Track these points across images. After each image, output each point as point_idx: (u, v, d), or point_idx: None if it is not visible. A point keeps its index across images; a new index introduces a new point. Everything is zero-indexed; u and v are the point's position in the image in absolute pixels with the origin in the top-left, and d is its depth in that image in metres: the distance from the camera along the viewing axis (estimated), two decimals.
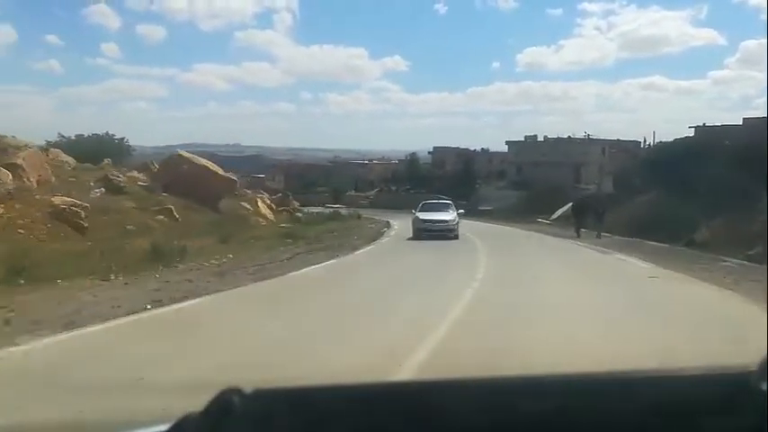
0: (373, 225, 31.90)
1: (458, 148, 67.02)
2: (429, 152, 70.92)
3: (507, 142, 63.79)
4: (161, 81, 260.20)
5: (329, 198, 67.58)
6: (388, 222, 34.20)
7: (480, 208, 45.27)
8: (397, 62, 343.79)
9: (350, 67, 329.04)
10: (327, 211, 38.48)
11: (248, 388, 0.74)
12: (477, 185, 59.78)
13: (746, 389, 0.74)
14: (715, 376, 0.82)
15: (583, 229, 23.96)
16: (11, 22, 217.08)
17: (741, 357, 0.84)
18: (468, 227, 28.23)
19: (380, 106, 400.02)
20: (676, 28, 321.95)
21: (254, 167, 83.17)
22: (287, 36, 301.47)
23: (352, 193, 67.46)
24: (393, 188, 63.04)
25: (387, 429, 0.75)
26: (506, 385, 0.86)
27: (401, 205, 57.25)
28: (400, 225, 30.15)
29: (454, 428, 0.74)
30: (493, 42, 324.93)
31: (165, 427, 0.79)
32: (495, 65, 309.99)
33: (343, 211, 43.87)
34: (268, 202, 24.80)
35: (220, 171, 25.64)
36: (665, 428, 0.75)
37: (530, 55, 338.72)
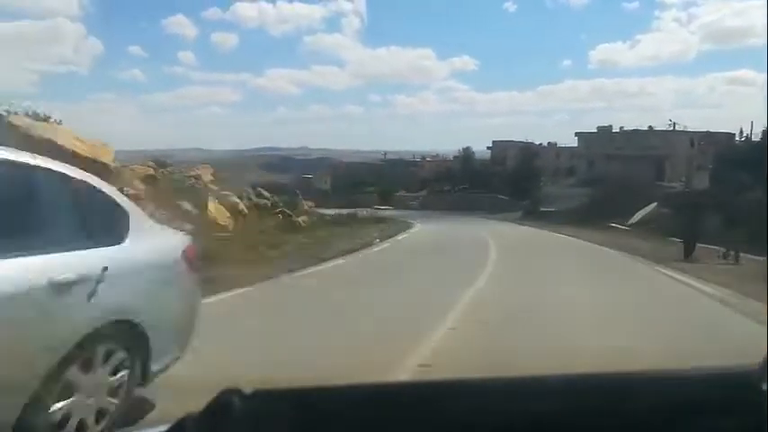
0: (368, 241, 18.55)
1: (521, 141, 59.59)
2: (488, 147, 64.13)
3: (577, 134, 56.12)
4: (234, 86, 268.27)
5: (377, 199, 62.25)
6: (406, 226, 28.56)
7: (543, 209, 38.71)
8: (465, 62, 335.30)
9: (417, 68, 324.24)
10: (345, 213, 32.32)
11: (248, 388, 0.74)
12: (542, 183, 52.68)
13: (746, 389, 0.75)
14: (715, 376, 0.83)
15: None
16: (99, 35, 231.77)
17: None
18: (503, 236, 21.85)
19: (448, 106, 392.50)
20: (763, 17, 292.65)
21: (320, 170, 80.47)
22: (354, 39, 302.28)
23: (402, 193, 61.81)
24: (446, 188, 56.89)
25: (386, 429, 0.75)
26: (507, 386, 0.85)
27: (455, 206, 51.62)
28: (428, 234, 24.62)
29: (454, 429, 0.75)
30: (564, 39, 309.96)
31: (165, 427, 0.78)
32: (567, 62, 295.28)
33: (371, 213, 38.64)
34: (243, 203, 19.17)
35: None
36: (666, 428, 0.75)
37: (603, 51, 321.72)
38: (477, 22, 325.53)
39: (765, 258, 11.33)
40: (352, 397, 0.81)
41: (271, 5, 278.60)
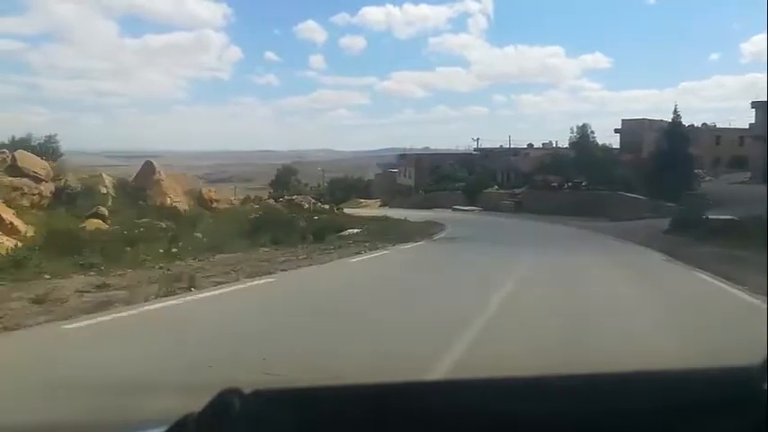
0: None
1: (660, 121, 40.76)
2: (615, 130, 46.64)
3: (754, 104, 37.19)
4: (361, 89, 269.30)
5: (462, 197, 47.56)
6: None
7: (712, 216, 21.40)
8: (597, 59, 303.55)
9: (545, 67, 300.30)
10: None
11: (247, 388, 0.74)
12: (700, 178, 35.11)
13: (747, 388, 0.74)
14: (716, 376, 0.82)
15: None
16: (239, 43, 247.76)
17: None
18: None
19: (578, 106, 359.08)
20: None
21: (402, 163, 68.72)
22: (480, 39, 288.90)
23: (494, 189, 46.63)
24: (553, 182, 40.85)
25: (387, 430, 0.74)
26: (507, 387, 0.84)
27: (564, 208, 33.89)
28: None
29: (454, 429, 0.74)
30: (710, 31, 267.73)
31: (165, 427, 0.77)
32: (714, 56, 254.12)
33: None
34: None
35: None
36: (666, 428, 0.74)
37: (758, 43, 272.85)
38: (612, 16, 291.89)
39: None
40: (352, 397, 0.80)
41: (397, 8, 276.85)
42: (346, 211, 38.89)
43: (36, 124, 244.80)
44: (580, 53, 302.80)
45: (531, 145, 54.41)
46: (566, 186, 40.16)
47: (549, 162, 40.57)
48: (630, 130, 44.61)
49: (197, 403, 0.73)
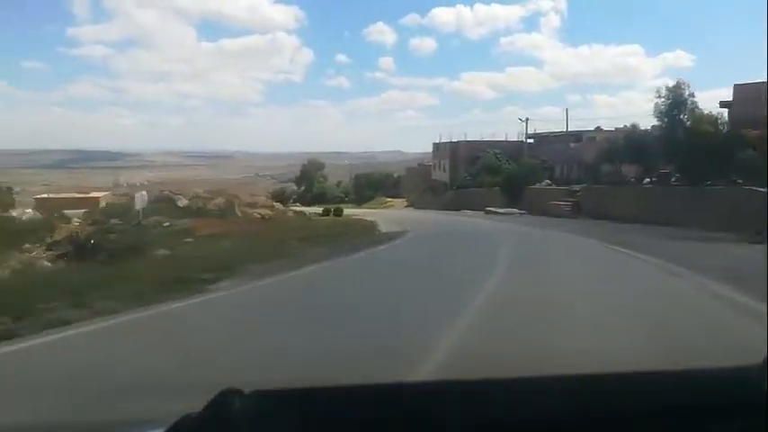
0: None
1: None
2: (722, 103, 31.86)
3: None
4: (430, 90, 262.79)
5: (501, 195, 35.10)
6: None
7: None
8: (678, 57, 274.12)
9: (622, 67, 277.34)
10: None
11: (247, 388, 0.73)
12: None
13: (746, 389, 0.73)
14: (715, 376, 0.81)
15: None
16: (311, 46, 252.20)
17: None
18: None
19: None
20: None
21: (437, 153, 57.17)
22: (553, 38, 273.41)
23: (544, 185, 33.87)
24: (630, 176, 27.69)
25: (387, 430, 0.73)
26: (507, 386, 0.82)
27: (646, 213, 20.66)
28: None
29: (454, 429, 0.73)
30: None
31: (165, 427, 0.75)
32: None
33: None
34: None
35: None
36: (667, 427, 0.73)
37: None
38: (696, 10, 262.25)
39: None
40: (352, 397, 0.78)
41: (468, 9, 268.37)
42: (353, 211, 30.58)
43: (123, 127, 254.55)
44: (660, 51, 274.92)
45: (599, 128, 40.73)
46: (649, 180, 27.05)
47: (621, 147, 27.42)
48: (747, 98, 30.05)
49: (197, 403, 0.71)
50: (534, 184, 33.72)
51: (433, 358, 4.26)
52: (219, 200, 21.25)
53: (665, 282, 8.77)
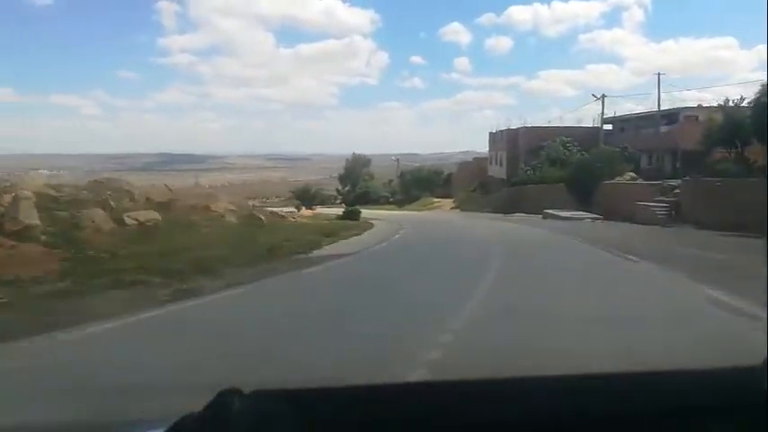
0: None
1: None
2: None
3: None
4: (506, 90, 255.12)
5: (567, 194, 26.27)
6: None
7: None
8: None
9: (713, 60, 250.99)
10: None
11: (247, 388, 0.71)
12: None
13: (746, 389, 0.72)
14: (715, 376, 0.80)
15: None
16: (386, 48, 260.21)
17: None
18: None
19: None
20: None
21: (494, 144, 48.82)
22: (636, 33, 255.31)
23: (626, 180, 24.61)
24: (753, 160, 18.43)
25: (387, 430, 0.72)
26: (507, 386, 0.81)
27: None
28: None
29: (454, 429, 0.72)
30: None
31: (165, 427, 0.74)
32: None
33: None
34: None
35: None
36: (667, 427, 0.72)
37: None
38: None
39: None
40: (353, 397, 0.77)
41: (545, 6, 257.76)
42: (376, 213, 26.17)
43: (208, 131, 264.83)
44: (756, 43, 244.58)
45: (700, 105, 30.52)
46: None
47: (737, 124, 18.08)
48: None
49: (197, 403, 0.70)
50: (613, 178, 24.77)
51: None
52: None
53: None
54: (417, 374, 3.56)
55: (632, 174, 25.53)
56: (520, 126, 37.25)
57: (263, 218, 17.38)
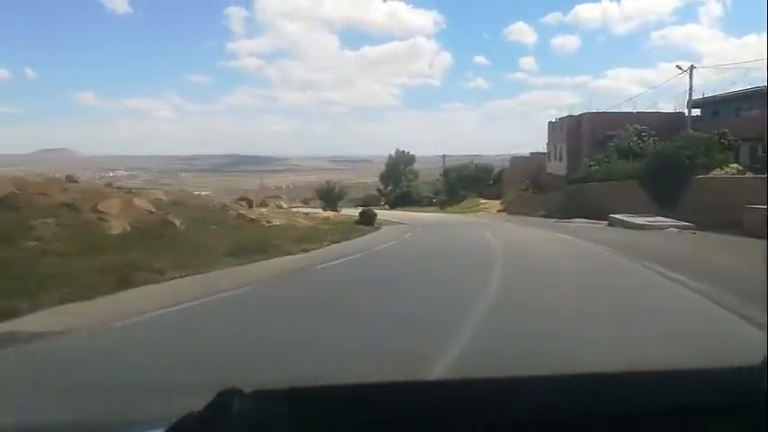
0: None
1: None
2: None
3: None
4: (572, 89, 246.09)
5: (641, 192, 19.81)
6: None
7: None
8: None
9: None
10: None
11: (248, 388, 0.71)
12: None
13: (746, 389, 0.72)
14: (715, 376, 0.80)
15: None
16: (449, 49, 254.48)
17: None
18: None
19: None
20: None
21: (553, 135, 42.13)
22: (713, 28, 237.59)
23: (729, 173, 17.92)
24: None
25: (387, 429, 0.71)
26: (507, 386, 0.80)
27: None
28: None
29: (454, 428, 0.72)
30: None
31: (165, 426, 0.73)
32: None
33: None
34: None
35: None
36: (668, 427, 0.72)
37: None
38: None
39: None
40: (353, 397, 0.76)
41: (615, 4, 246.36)
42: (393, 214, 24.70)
43: (274, 133, 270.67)
44: None
45: None
46: None
47: None
48: None
49: (197, 403, 0.69)
50: (708, 172, 18.13)
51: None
52: None
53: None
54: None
55: (736, 166, 18.71)
56: (583, 112, 30.58)
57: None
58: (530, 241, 13.92)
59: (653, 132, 26.37)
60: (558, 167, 32.57)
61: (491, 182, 41.46)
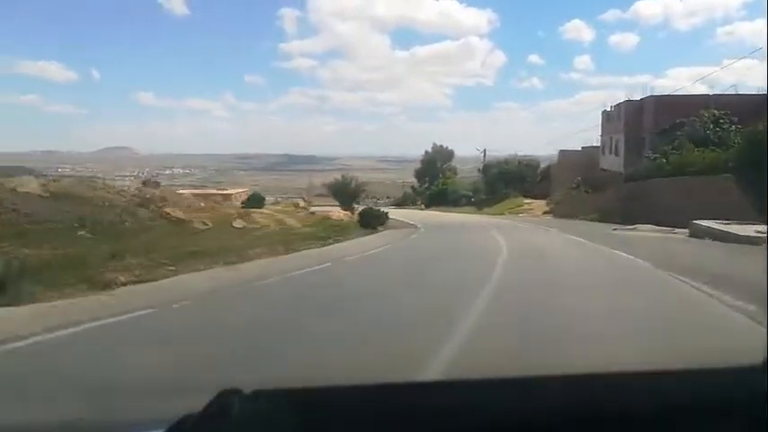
0: None
1: None
2: None
3: None
4: (630, 89, 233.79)
5: (724, 192, 15.08)
6: None
7: None
8: None
9: None
10: None
11: (247, 388, 0.71)
12: None
13: (746, 389, 0.72)
14: (715, 376, 0.79)
15: None
16: (503, 48, 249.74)
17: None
18: None
19: None
20: None
21: (609, 125, 36.97)
22: None
23: None
24: None
25: (387, 430, 0.71)
26: (506, 386, 0.80)
27: None
28: None
29: (453, 428, 0.72)
30: None
31: (165, 427, 0.73)
32: None
33: None
34: None
35: None
36: (667, 428, 0.72)
37: None
38: None
39: None
40: (353, 397, 0.76)
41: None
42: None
43: (326, 133, 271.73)
44: None
45: None
46: None
47: None
48: None
49: (197, 403, 0.69)
50: None
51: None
52: None
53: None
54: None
55: None
56: (646, 96, 25.55)
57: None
58: (569, 281, 7.85)
59: (735, 118, 21.25)
60: (613, 162, 27.69)
61: (538, 179, 36.66)
